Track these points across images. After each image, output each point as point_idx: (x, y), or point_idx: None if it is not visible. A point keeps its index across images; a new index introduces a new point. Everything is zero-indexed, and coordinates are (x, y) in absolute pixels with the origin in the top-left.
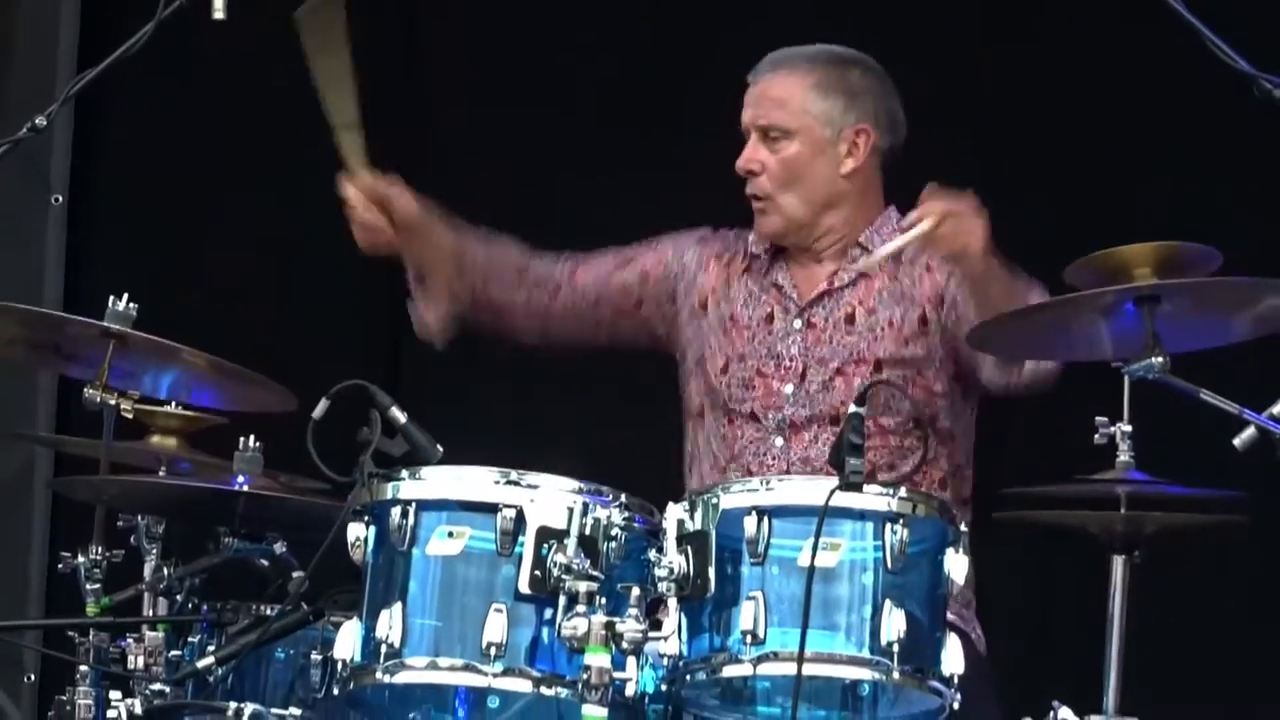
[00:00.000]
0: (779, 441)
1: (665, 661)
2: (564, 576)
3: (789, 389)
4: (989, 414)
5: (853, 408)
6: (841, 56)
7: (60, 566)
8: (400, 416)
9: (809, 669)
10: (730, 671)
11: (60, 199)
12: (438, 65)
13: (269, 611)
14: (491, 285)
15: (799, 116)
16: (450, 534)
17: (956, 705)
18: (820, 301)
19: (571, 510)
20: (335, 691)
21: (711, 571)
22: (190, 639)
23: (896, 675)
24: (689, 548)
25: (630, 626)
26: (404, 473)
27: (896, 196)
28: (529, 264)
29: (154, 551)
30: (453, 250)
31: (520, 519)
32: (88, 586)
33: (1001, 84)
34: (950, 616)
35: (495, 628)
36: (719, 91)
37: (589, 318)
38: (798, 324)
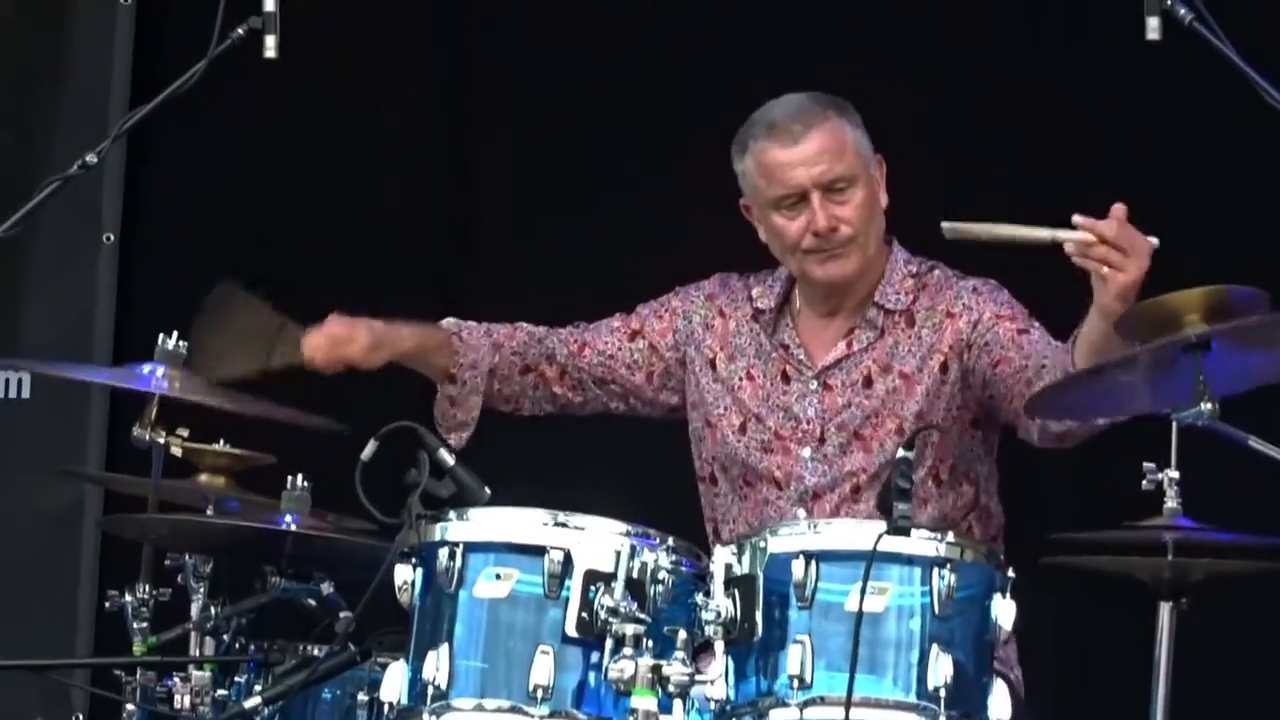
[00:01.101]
0: (800, 513)
1: (712, 705)
2: (611, 619)
3: (806, 452)
4: (1036, 460)
5: (901, 452)
6: (832, 97)
7: (107, 605)
8: (448, 458)
9: (856, 714)
10: (777, 715)
11: (112, 237)
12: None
13: (316, 652)
14: (496, 383)
15: (855, 162)
16: (497, 576)
17: None
18: (838, 365)
19: (619, 553)
20: None
21: (759, 615)
22: (237, 679)
23: None
24: (736, 591)
25: (677, 669)
26: (451, 514)
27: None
28: (528, 353)
29: (201, 590)
30: (429, 348)
31: (568, 561)
32: (135, 625)
33: (1039, 121)
34: None
35: (542, 670)
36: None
37: (598, 395)
38: (814, 385)
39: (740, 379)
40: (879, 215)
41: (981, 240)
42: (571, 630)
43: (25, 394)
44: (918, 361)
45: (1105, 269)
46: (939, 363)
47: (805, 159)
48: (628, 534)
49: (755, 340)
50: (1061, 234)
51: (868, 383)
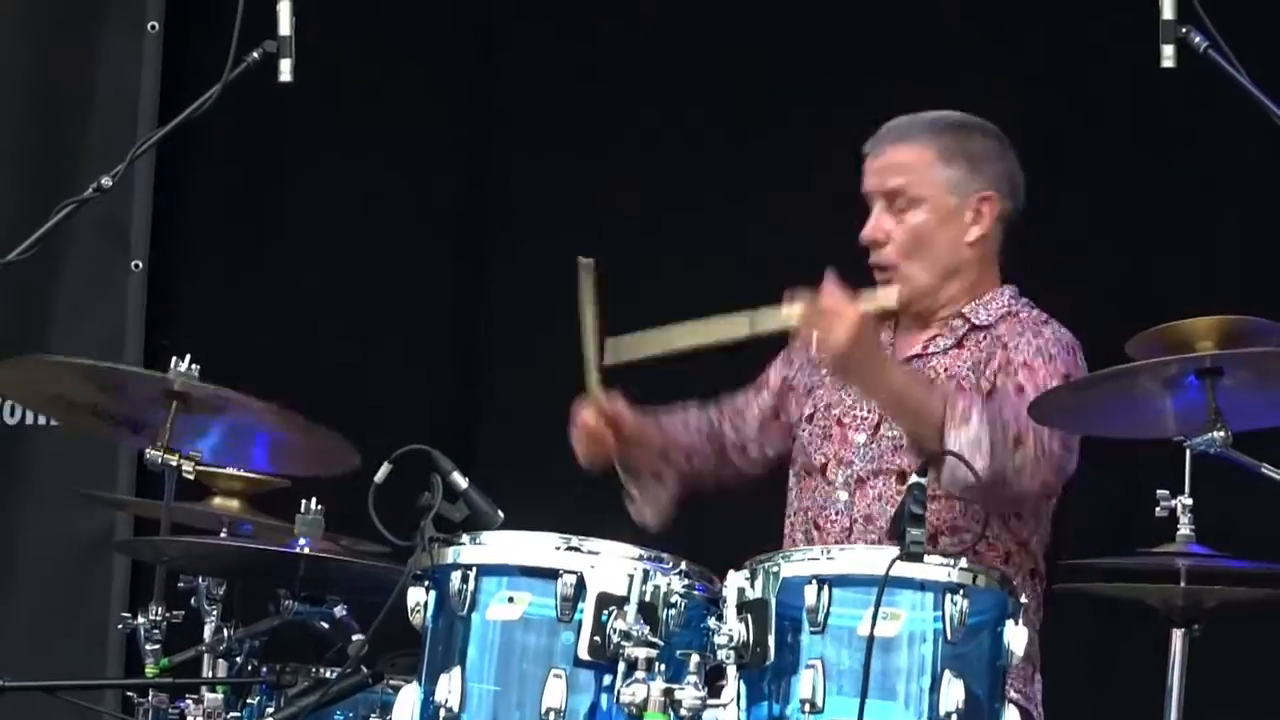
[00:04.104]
0: (844, 496)
1: None
2: (623, 643)
3: (861, 439)
4: None
5: (914, 478)
6: (961, 122)
7: (120, 627)
8: (461, 481)
9: None
10: None
11: (140, 265)
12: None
13: (328, 674)
14: (694, 460)
15: (926, 184)
16: (510, 599)
17: None
18: (910, 362)
19: (632, 577)
20: None
21: (771, 639)
22: (249, 700)
23: None
24: (749, 615)
25: (689, 694)
26: (464, 537)
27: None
28: (716, 429)
29: (214, 613)
30: (660, 445)
31: (580, 585)
32: (147, 647)
33: (1054, 147)
34: (1012, 695)
35: (554, 694)
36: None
37: (760, 453)
38: None
39: (822, 377)
40: (939, 247)
41: (644, 358)
42: (584, 654)
43: (56, 420)
44: (974, 379)
45: (814, 339)
46: (988, 388)
47: (874, 169)
48: (640, 558)
49: None
50: (760, 324)
51: (930, 384)
